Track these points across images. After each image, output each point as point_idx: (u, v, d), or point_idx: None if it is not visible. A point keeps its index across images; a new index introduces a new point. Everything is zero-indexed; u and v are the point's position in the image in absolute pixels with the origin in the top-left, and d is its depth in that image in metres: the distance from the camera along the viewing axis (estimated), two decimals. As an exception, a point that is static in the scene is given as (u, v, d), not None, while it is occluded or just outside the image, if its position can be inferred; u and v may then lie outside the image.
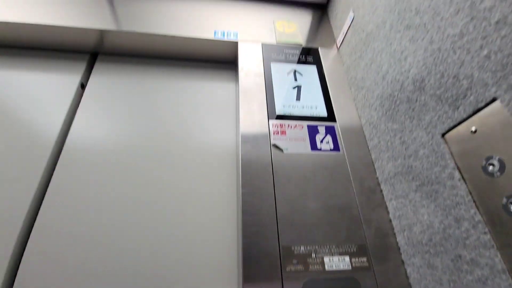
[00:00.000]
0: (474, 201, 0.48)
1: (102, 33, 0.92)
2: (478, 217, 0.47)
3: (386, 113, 0.71)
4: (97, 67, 0.99)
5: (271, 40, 0.99)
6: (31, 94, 0.88)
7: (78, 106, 0.89)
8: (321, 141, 0.79)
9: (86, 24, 0.90)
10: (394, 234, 0.68)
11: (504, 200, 0.42)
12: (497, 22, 0.43)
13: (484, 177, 0.46)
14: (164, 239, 0.72)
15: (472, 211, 0.48)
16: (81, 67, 0.96)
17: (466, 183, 0.49)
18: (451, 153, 0.52)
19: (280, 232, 0.65)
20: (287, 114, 0.83)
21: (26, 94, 0.88)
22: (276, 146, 0.77)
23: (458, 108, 0.50)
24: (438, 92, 0.54)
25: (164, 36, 0.93)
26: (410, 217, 0.62)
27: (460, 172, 0.50)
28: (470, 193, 0.48)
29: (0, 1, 0.90)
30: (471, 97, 0.47)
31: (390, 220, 0.69)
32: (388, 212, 0.70)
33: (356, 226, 0.69)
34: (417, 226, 0.60)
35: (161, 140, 0.87)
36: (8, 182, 0.74)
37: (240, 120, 0.80)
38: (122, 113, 0.90)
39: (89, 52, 1.00)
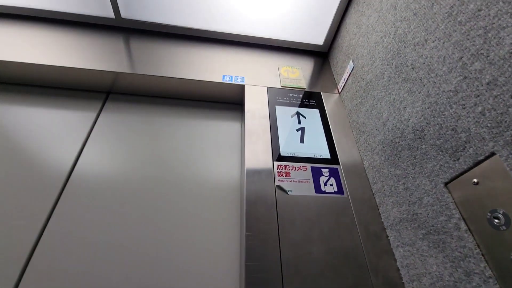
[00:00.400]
0: (483, 255, 0.47)
1: (117, 74, 0.98)
2: (488, 271, 0.46)
3: (388, 158, 0.73)
4: (108, 105, 1.03)
5: (276, 84, 1.05)
6: (49, 130, 0.92)
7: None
8: (325, 184, 0.80)
9: (104, 67, 0.97)
10: (403, 283, 0.65)
11: (513, 255, 0.42)
12: (488, 83, 0.47)
13: (490, 229, 0.46)
14: (165, 279, 0.69)
15: (482, 265, 0.47)
16: (98, 105, 1.01)
17: (473, 235, 0.49)
18: (455, 203, 0.53)
19: (284, 279, 0.63)
20: (291, 156, 0.85)
21: (44, 129, 0.92)
22: (280, 188, 0.77)
23: (458, 159, 0.52)
24: (438, 142, 0.57)
25: (175, 79, 0.99)
26: (419, 266, 0.61)
27: (466, 223, 0.50)
28: (478, 246, 0.48)
29: (28, 45, 0.98)
30: (470, 150, 0.49)
31: (398, 269, 0.67)
32: (395, 260, 0.69)
33: (362, 274, 0.67)
34: (426, 278, 0.58)
35: (166, 178, 0.88)
36: (18, 215, 0.74)
37: (246, 161, 0.81)
38: (130, 149, 0.93)
39: (105, 92, 1.06)
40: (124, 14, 1.07)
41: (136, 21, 1.09)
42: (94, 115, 0.99)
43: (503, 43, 0.45)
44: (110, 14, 1.06)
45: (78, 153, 0.89)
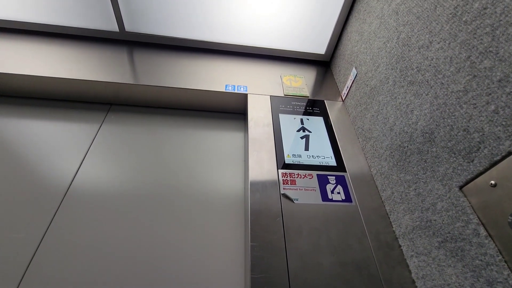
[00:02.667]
0: (506, 262, 0.44)
1: (120, 86, 0.99)
2: (514, 280, 0.42)
3: (397, 163, 0.71)
4: (109, 116, 1.03)
5: (279, 93, 1.05)
6: (51, 142, 0.92)
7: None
8: (332, 191, 0.77)
9: (108, 79, 0.97)
10: (419, 297, 0.61)
11: (541, 262, 0.39)
12: (499, 80, 0.45)
13: (513, 234, 0.43)
14: (165, 299, 0.66)
15: (505, 272, 0.44)
16: (101, 117, 1.01)
17: (494, 241, 0.46)
18: (472, 207, 0.50)
19: (293, 293, 0.59)
20: (296, 164, 0.83)
21: (47, 142, 0.92)
22: (286, 196, 0.75)
23: (473, 160, 0.49)
24: (449, 144, 0.55)
25: (178, 89, 0.99)
26: (436, 278, 0.57)
27: (485, 228, 0.47)
28: (500, 253, 0.45)
29: (33, 58, 0.99)
30: (485, 150, 0.47)
31: (414, 281, 0.63)
32: (410, 271, 0.65)
33: (375, 286, 0.63)
34: (445, 289, 0.54)
35: (169, 188, 0.86)
36: (18, 227, 0.72)
37: (249, 169, 0.79)
38: (132, 159, 0.91)
39: (108, 103, 1.06)
40: (128, 27, 1.09)
41: (139, 34, 1.11)
42: (97, 126, 0.99)
43: (513, 39, 0.43)
44: (115, 27, 1.08)
45: (79, 165, 0.88)
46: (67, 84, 0.98)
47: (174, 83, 1.00)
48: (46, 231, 0.73)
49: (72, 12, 1.05)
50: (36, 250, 0.70)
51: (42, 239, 0.72)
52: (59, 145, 0.91)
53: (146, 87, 0.99)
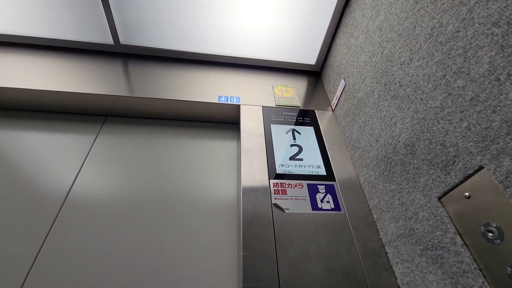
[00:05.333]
0: (480, 270, 0.47)
1: (115, 98, 1.01)
2: (487, 287, 0.45)
3: (383, 173, 0.74)
4: (105, 127, 1.05)
5: (271, 103, 1.08)
6: (47, 155, 0.93)
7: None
8: (322, 200, 0.80)
9: (103, 91, 0.99)
10: (405, 303, 0.64)
11: (509, 269, 0.42)
12: (471, 99, 0.49)
13: (485, 243, 0.46)
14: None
15: (480, 280, 0.46)
16: (96, 128, 1.03)
17: (469, 250, 0.49)
18: (450, 217, 0.53)
19: (283, 301, 0.62)
20: (287, 173, 0.85)
21: (42, 154, 0.93)
22: (277, 206, 0.77)
23: (449, 173, 0.53)
24: (429, 157, 0.58)
25: (172, 101, 1.02)
26: (419, 284, 0.60)
27: (461, 237, 0.50)
28: (475, 261, 0.48)
29: (28, 71, 1.01)
30: (460, 164, 0.50)
31: (399, 287, 0.66)
32: (395, 277, 0.67)
33: (363, 293, 0.65)
34: (427, 295, 0.57)
35: (163, 198, 0.88)
36: (15, 240, 0.73)
37: (242, 179, 0.82)
38: (127, 170, 0.93)
39: (104, 115, 1.08)
40: (122, 40, 1.11)
41: (134, 47, 1.13)
42: (92, 137, 1.01)
43: (482, 62, 0.47)
44: (109, 40, 1.11)
45: (76, 176, 0.89)
46: (63, 97, 0.99)
47: (168, 95, 1.02)
48: (43, 243, 0.75)
49: (67, 26, 1.07)
50: (34, 262, 0.71)
51: (39, 251, 0.73)
52: (55, 157, 0.93)
53: (141, 99, 1.01)
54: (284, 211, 0.76)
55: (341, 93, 1.01)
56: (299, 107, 1.08)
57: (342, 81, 1.00)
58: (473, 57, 0.49)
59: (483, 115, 0.46)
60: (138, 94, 1.00)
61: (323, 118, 1.05)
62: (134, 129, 1.06)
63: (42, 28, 1.07)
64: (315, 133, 0.99)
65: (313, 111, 1.08)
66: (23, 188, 0.85)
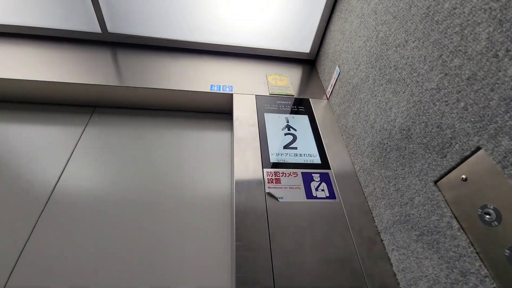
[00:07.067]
0: (477, 253, 0.46)
1: (104, 88, 0.97)
2: (484, 270, 0.44)
3: (378, 160, 0.72)
4: (93, 118, 1.02)
5: (264, 92, 1.05)
6: (34, 147, 0.91)
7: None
8: (316, 189, 0.79)
9: (91, 81, 0.96)
10: (400, 290, 0.63)
11: (507, 252, 0.41)
12: (468, 78, 0.47)
13: (483, 226, 0.45)
14: (151, 301, 0.66)
15: (477, 264, 0.45)
16: (85, 119, 1.00)
17: (466, 233, 0.48)
18: (446, 201, 0.51)
19: (277, 290, 0.60)
20: (281, 162, 0.83)
21: (29, 146, 0.90)
22: (271, 195, 0.76)
23: (445, 156, 0.51)
24: (424, 141, 0.56)
25: (163, 90, 0.99)
26: (415, 270, 0.59)
27: (458, 221, 0.49)
28: (472, 244, 0.47)
29: (13, 61, 0.97)
30: (456, 146, 0.49)
31: (395, 274, 0.65)
32: (391, 264, 0.67)
33: (358, 281, 0.64)
34: (423, 281, 0.56)
35: (155, 190, 0.86)
36: (2, 229, 0.71)
37: (235, 169, 0.80)
38: (116, 161, 0.91)
39: (92, 106, 1.05)
40: (110, 28, 1.07)
41: (122, 35, 1.10)
42: (81, 129, 0.98)
43: (479, 38, 0.45)
44: (97, 29, 1.07)
45: (63, 169, 0.87)
46: (50, 87, 0.96)
47: (158, 84, 0.99)
48: (29, 237, 0.72)
49: (53, 14, 1.03)
50: (19, 256, 0.69)
51: (25, 245, 0.71)
52: (41, 150, 0.90)
53: (131, 89, 0.98)
54: (278, 200, 0.75)
55: (336, 81, 0.99)
56: (293, 95, 1.06)
57: (337, 68, 0.98)
58: (471, 34, 0.47)
59: (481, 94, 0.45)
60: (127, 84, 0.97)
61: (318, 107, 1.03)
62: (124, 120, 1.03)
63: (26, 15, 1.03)
64: (310, 122, 0.97)
65: (308, 99, 1.06)
66: (8, 182, 0.82)
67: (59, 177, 0.84)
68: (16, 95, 0.99)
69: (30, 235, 0.73)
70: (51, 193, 0.81)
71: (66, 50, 1.05)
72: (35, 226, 0.74)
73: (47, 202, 0.79)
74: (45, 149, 0.90)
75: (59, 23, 1.05)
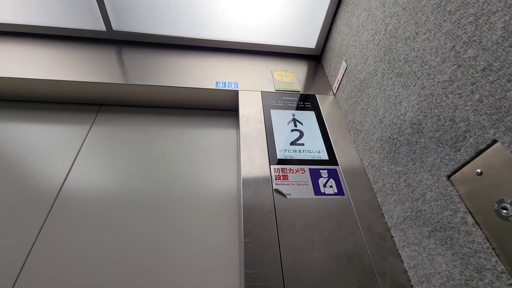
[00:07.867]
0: (493, 249, 0.45)
1: (109, 86, 0.97)
2: (500, 266, 0.43)
3: (387, 155, 0.71)
4: (99, 116, 1.02)
5: (270, 88, 1.04)
6: (41, 146, 0.91)
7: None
8: (324, 185, 0.78)
9: (97, 79, 0.96)
10: (412, 286, 0.62)
11: (526, 247, 0.39)
12: (483, 69, 0.45)
13: (499, 221, 0.43)
14: (160, 298, 0.66)
15: (493, 259, 0.44)
16: (91, 118, 1.00)
17: (481, 229, 0.46)
18: (460, 196, 0.50)
19: (286, 287, 0.60)
20: (288, 159, 0.83)
21: (36, 145, 0.90)
22: (278, 191, 0.75)
23: (459, 150, 0.50)
24: (437, 135, 0.55)
25: (168, 88, 0.98)
26: (427, 266, 0.58)
27: (472, 216, 0.48)
28: (488, 240, 0.45)
29: (19, 60, 0.97)
30: (471, 139, 0.48)
31: (406, 271, 0.64)
32: (402, 261, 0.65)
33: (368, 278, 0.64)
34: (436, 278, 0.55)
35: (162, 188, 0.86)
36: (10, 229, 0.71)
37: (241, 166, 0.79)
38: (123, 160, 0.91)
39: (98, 104, 1.05)
40: (115, 26, 1.07)
41: (127, 33, 1.09)
42: (87, 127, 0.98)
43: (495, 28, 0.44)
44: (102, 27, 1.07)
45: (70, 167, 0.87)
46: (55, 86, 0.96)
47: (164, 82, 0.99)
48: (37, 236, 0.73)
49: (58, 13, 1.03)
50: (28, 255, 0.69)
51: (33, 244, 0.71)
52: (48, 149, 0.90)
53: (136, 87, 0.98)
54: (285, 197, 0.74)
55: (343, 76, 0.97)
56: (299, 91, 1.05)
57: (344, 63, 0.96)
58: (485, 23, 0.45)
59: (497, 85, 0.43)
60: (133, 82, 0.97)
61: (324, 103, 1.02)
62: (130, 118, 1.03)
63: (31, 15, 1.03)
64: (317, 118, 0.96)
65: (314, 95, 1.04)
66: (15, 181, 0.82)
67: (66, 176, 0.85)
68: (21, 94, 1.00)
69: (38, 234, 0.73)
70: (59, 192, 0.81)
71: (71, 48, 1.05)
72: (43, 225, 0.75)
73: (54, 201, 0.79)
74: (51, 148, 0.91)
75: (64, 22, 1.05)
